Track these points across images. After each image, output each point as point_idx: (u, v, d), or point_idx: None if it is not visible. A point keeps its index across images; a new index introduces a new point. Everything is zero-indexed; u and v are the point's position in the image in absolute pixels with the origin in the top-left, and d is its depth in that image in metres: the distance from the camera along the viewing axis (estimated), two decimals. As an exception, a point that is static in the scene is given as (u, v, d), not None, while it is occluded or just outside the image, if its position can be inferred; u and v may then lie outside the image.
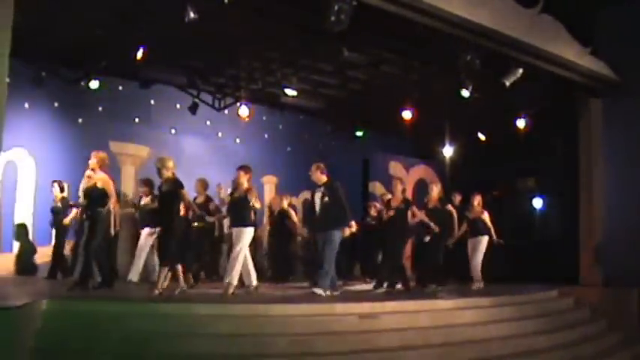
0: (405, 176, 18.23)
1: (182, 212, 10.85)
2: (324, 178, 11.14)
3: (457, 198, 14.29)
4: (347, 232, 10.88)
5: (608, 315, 13.38)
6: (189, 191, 13.27)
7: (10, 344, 6.31)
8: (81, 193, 10.85)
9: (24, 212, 14.11)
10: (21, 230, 14.10)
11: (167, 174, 10.23)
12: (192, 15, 10.16)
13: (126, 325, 8.02)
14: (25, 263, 13.80)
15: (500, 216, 14.17)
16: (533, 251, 14.59)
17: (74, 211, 12.76)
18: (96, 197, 10.41)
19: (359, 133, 19.06)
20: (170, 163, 10.29)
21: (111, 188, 10.49)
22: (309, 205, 11.24)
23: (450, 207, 13.44)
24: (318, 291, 10.60)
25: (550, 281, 14.29)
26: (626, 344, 12.58)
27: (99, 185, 10.41)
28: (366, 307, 9.71)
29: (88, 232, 10.53)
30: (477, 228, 13.71)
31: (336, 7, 10.03)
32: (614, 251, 14.52)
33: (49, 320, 7.72)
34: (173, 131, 16.46)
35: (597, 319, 13.20)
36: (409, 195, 13.87)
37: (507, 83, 12.90)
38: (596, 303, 13.76)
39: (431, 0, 11.02)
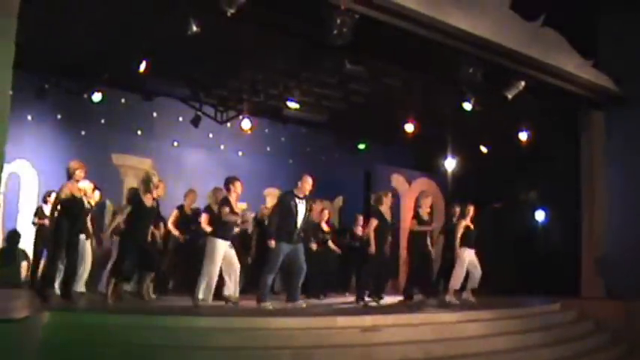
0: (407, 189, 18.23)
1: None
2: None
3: (457, 210, 14.07)
4: None
5: (611, 327, 13.34)
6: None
7: (12, 357, 6.30)
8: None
9: (26, 224, 14.09)
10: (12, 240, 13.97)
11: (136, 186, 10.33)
12: (194, 28, 10.20)
13: (128, 338, 8.01)
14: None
15: (503, 228, 14.16)
16: (535, 264, 14.60)
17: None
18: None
19: (361, 146, 19.10)
20: (147, 177, 10.36)
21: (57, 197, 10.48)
22: (288, 213, 10.67)
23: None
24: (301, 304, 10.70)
25: (552, 294, 14.27)
26: (630, 357, 12.55)
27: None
28: (367, 320, 9.70)
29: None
30: (472, 239, 13.53)
31: (338, 20, 10.07)
32: (616, 263, 14.50)
33: (51, 333, 7.71)
34: (175, 144, 16.50)
35: (600, 331, 13.16)
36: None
37: (509, 96, 12.92)
38: (599, 315, 13.72)
39: (433, 13, 11.07)
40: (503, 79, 12.98)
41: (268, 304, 10.46)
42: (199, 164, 16.48)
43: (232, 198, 10.88)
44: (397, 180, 18.29)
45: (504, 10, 12.79)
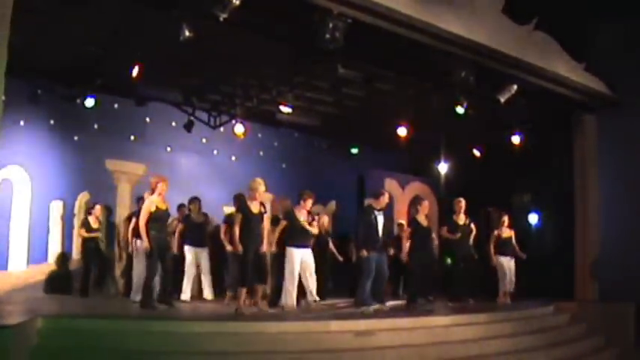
0: (400, 193, 18.24)
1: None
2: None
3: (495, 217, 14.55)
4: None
5: (604, 330, 13.36)
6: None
7: (5, 363, 6.30)
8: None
9: (19, 230, 14.06)
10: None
11: None
12: (187, 33, 10.20)
13: (123, 344, 8.00)
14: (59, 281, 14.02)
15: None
16: (528, 266, 14.60)
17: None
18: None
19: (354, 150, 19.10)
20: (253, 184, 10.69)
21: (143, 212, 10.63)
22: (370, 225, 11.59)
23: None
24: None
25: (546, 296, 14.29)
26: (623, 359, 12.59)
27: None
28: (361, 324, 9.70)
29: None
30: (509, 247, 14.15)
31: (330, 25, 10.09)
32: (609, 266, 14.52)
33: (45, 338, 7.70)
34: (169, 149, 16.46)
35: (594, 334, 13.18)
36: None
37: (502, 99, 12.95)
38: (592, 318, 13.75)
39: (425, 17, 11.09)
40: (495, 83, 13.01)
41: (370, 308, 11.21)
42: (193, 169, 16.45)
43: (300, 212, 11.59)
44: (390, 184, 18.31)
45: (497, 13, 12.82)
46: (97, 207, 13.83)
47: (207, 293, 13.20)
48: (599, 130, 15.37)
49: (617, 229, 14.69)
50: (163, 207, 10.65)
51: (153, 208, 10.51)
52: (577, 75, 14.17)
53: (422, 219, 12.84)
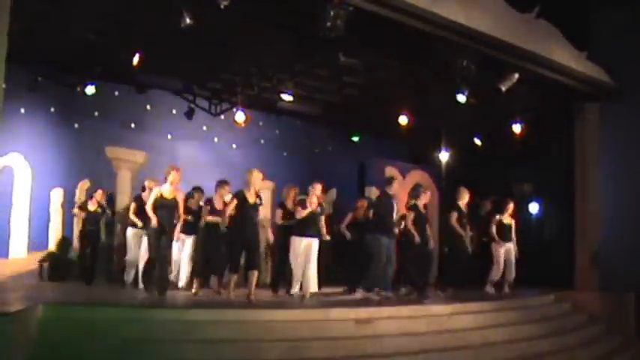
0: (401, 181, 18.20)
1: None
2: None
3: (488, 205, 14.59)
4: None
5: (604, 319, 13.40)
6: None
7: (5, 351, 6.29)
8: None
9: (20, 217, 14.07)
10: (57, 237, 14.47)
11: None
12: (188, 20, 10.17)
13: (122, 331, 8.00)
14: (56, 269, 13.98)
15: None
16: (529, 256, 14.60)
17: None
18: None
19: (355, 138, 19.06)
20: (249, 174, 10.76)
21: (150, 199, 10.66)
22: (388, 211, 11.82)
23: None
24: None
25: (547, 285, 14.30)
26: (624, 348, 12.59)
27: None
28: (362, 312, 9.70)
29: None
30: (510, 233, 13.96)
31: (332, 13, 10.06)
32: (610, 255, 14.53)
33: (45, 326, 7.70)
34: (169, 136, 16.45)
35: (594, 323, 13.21)
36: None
37: (503, 88, 12.92)
38: (592, 307, 13.78)
39: (427, 5, 11.04)
40: (497, 71, 12.98)
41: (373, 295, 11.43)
42: (193, 157, 16.41)
43: (310, 199, 11.51)
44: (391, 172, 18.25)
45: (498, 1, 12.79)
46: (99, 192, 13.67)
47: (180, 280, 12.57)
48: (600, 119, 15.34)
49: (617, 218, 14.69)
50: (169, 196, 10.57)
51: (158, 195, 10.51)
52: (579, 63, 14.14)
53: (421, 206, 12.85)
